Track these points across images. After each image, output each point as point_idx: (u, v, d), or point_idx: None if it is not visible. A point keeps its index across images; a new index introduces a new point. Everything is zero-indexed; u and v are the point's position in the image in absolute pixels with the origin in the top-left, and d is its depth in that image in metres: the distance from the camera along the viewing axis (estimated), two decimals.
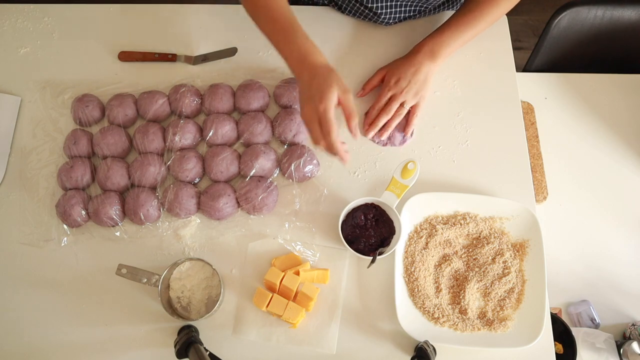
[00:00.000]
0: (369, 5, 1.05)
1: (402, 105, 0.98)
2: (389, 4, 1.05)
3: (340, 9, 1.13)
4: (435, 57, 0.98)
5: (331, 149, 0.84)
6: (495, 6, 1.00)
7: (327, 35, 1.11)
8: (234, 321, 0.88)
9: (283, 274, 0.87)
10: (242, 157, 0.96)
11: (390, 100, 0.99)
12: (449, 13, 1.13)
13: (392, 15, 1.08)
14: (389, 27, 1.12)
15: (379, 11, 1.06)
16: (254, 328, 0.88)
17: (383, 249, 0.91)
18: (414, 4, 1.06)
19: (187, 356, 0.80)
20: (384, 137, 0.99)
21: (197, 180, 0.96)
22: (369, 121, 1.00)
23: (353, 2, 1.08)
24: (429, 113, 1.04)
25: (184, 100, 0.99)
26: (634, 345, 1.07)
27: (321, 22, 1.13)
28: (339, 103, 0.84)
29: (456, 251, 0.94)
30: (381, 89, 1.01)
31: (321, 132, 0.83)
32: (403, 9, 1.07)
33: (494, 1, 1.00)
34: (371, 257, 0.89)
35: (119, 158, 0.97)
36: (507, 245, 0.94)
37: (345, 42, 1.11)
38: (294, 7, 1.16)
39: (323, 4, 1.15)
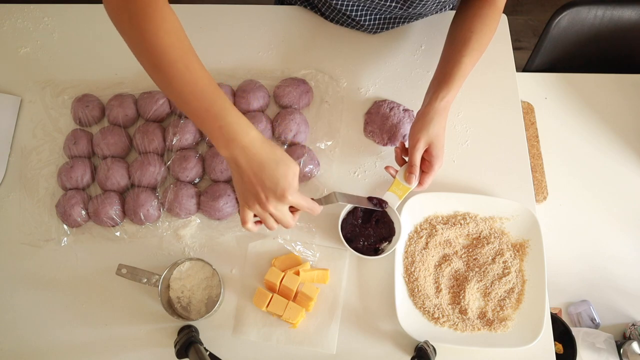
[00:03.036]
0: (355, 18, 1.05)
1: None
2: (373, 16, 1.05)
3: (324, 17, 1.12)
4: (449, 108, 0.91)
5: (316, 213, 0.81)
6: (485, 34, 0.93)
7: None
8: (234, 321, 0.88)
9: (283, 274, 0.87)
10: None
11: (432, 170, 0.90)
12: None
13: (377, 26, 1.08)
14: (375, 34, 1.11)
15: (365, 23, 1.06)
16: (254, 328, 0.88)
17: (385, 246, 0.91)
18: (398, 14, 1.06)
19: (187, 356, 0.80)
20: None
21: (197, 180, 0.96)
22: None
23: (340, 14, 1.07)
24: None
25: None
26: (634, 345, 1.07)
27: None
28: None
29: (456, 251, 0.94)
30: (431, 165, 0.89)
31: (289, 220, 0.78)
32: (387, 20, 1.07)
33: (481, 31, 0.92)
34: (371, 257, 0.89)
35: (119, 158, 0.97)
36: (507, 245, 0.94)
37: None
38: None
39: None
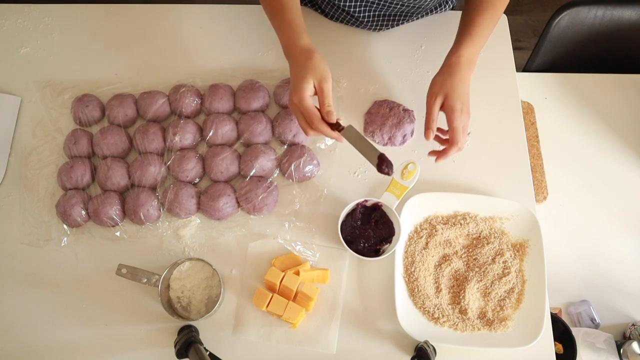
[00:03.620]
0: (355, 14, 1.05)
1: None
2: (372, 12, 1.05)
3: (324, 14, 1.12)
4: (473, 65, 0.93)
5: (322, 134, 0.86)
6: None
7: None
8: (234, 321, 0.88)
9: (283, 274, 0.87)
10: (242, 157, 0.96)
11: (463, 131, 0.89)
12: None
13: (377, 23, 1.08)
14: (378, 32, 1.12)
15: (365, 20, 1.06)
16: (254, 328, 0.88)
17: (384, 247, 0.91)
18: (397, 10, 1.06)
19: (187, 356, 0.80)
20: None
21: (197, 180, 0.96)
22: (447, 157, 0.91)
23: (340, 11, 1.07)
24: None
25: (184, 100, 0.99)
26: (634, 345, 1.07)
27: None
28: (316, 92, 0.85)
29: (456, 251, 0.94)
30: (451, 119, 0.88)
31: (306, 122, 0.86)
32: (387, 17, 1.07)
33: None
34: (371, 258, 0.89)
35: (119, 158, 0.97)
36: (507, 245, 0.94)
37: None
38: None
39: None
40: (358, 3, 1.02)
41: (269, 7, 0.93)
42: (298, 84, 0.84)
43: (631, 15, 1.29)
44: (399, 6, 1.03)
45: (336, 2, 1.03)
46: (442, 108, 0.91)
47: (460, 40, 0.94)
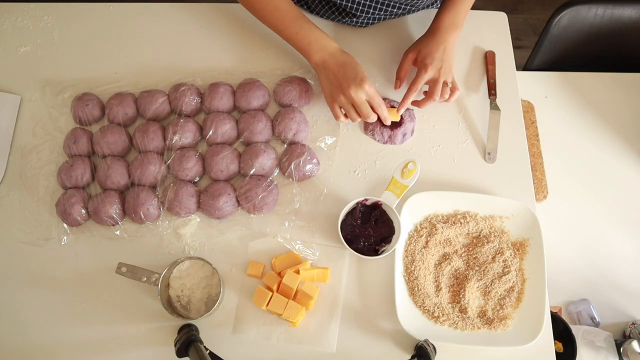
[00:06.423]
0: (344, 3, 1.03)
1: (445, 84, 0.96)
2: (367, 2, 1.04)
3: (310, 10, 1.12)
4: (456, 28, 1.00)
5: (383, 116, 0.94)
6: None
7: None
8: (234, 320, 0.88)
9: (278, 278, 0.88)
10: (242, 156, 0.96)
11: (433, 82, 0.96)
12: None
13: (370, 16, 1.07)
14: (364, 28, 1.11)
15: (357, 13, 1.05)
16: (254, 327, 0.88)
17: (384, 246, 0.91)
18: (392, 12, 1.06)
19: (187, 355, 0.80)
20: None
21: (197, 179, 0.96)
22: (406, 104, 0.97)
23: (326, 7, 1.07)
24: (429, 112, 1.04)
25: (184, 99, 0.98)
26: (634, 344, 1.07)
27: None
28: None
29: (456, 250, 0.94)
30: (418, 71, 0.97)
31: (370, 107, 0.92)
32: (382, 8, 1.05)
33: None
34: (371, 257, 0.89)
35: (119, 157, 0.97)
36: (507, 244, 0.94)
37: None
38: None
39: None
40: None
41: (282, 19, 0.96)
42: (361, 72, 0.91)
43: (631, 14, 1.29)
44: (391, 3, 1.03)
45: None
46: (414, 63, 1.01)
47: (442, 6, 1.02)
